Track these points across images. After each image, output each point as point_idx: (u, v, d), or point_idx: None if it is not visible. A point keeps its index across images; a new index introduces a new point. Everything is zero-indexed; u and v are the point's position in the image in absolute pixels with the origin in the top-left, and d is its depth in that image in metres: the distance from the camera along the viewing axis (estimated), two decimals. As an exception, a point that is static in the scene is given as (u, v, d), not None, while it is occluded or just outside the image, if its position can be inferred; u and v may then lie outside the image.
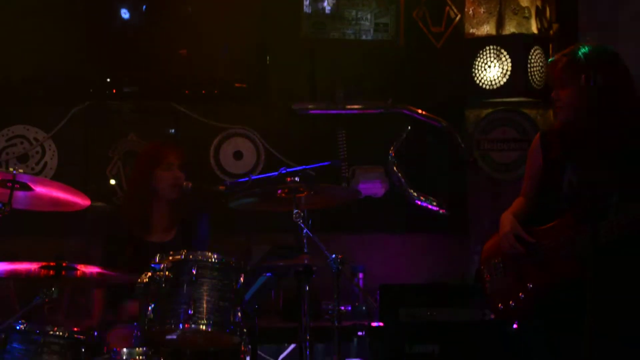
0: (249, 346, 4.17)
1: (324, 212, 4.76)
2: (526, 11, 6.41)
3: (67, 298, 4.99)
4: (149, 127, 6.14)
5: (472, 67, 6.22)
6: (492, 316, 4.09)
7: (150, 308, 3.90)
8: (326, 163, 5.31)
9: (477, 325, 5.15)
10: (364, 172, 6.21)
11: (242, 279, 4.10)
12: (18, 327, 3.87)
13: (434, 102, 6.34)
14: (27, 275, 4.14)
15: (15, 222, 4.33)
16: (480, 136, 6.34)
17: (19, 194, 4.18)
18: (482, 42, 6.26)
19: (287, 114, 6.25)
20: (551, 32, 6.44)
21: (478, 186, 6.32)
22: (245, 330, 4.07)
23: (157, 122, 6.18)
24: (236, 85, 6.20)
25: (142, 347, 3.86)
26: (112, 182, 6.03)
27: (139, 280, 3.92)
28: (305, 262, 4.28)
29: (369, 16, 6.40)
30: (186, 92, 6.17)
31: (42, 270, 4.06)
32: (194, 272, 3.96)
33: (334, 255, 4.12)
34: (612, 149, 3.67)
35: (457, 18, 6.45)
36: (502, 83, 6.15)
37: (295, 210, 4.28)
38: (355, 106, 6.29)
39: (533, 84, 6.11)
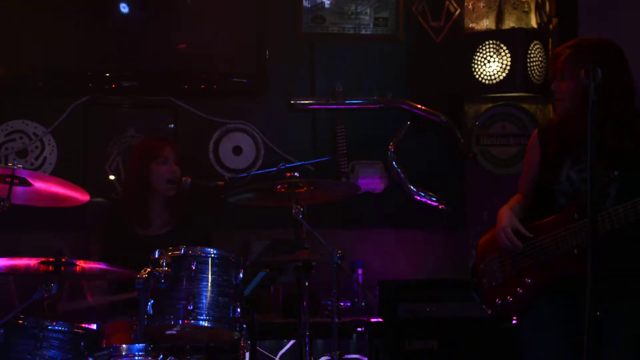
0: (249, 342, 4.21)
1: (324, 207, 4.78)
2: (526, 5, 6.39)
3: (66, 294, 5.00)
4: (148, 122, 6.13)
5: (471, 62, 6.21)
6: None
7: (149, 304, 3.89)
8: (325, 159, 5.32)
9: (476, 321, 5.15)
10: (363, 167, 6.21)
11: (241, 275, 4.11)
12: (18, 322, 3.89)
13: (433, 97, 6.34)
14: (26, 271, 4.16)
15: (15, 218, 4.35)
16: (480, 131, 6.32)
17: (18, 189, 4.19)
18: (482, 37, 6.25)
19: (286, 109, 6.24)
20: (551, 26, 6.43)
21: (477, 181, 6.31)
22: (244, 325, 4.08)
23: (156, 117, 6.17)
24: (235, 80, 6.19)
25: (142, 342, 3.84)
26: (112, 177, 6.02)
27: (138, 275, 3.89)
28: (305, 257, 4.30)
29: (368, 10, 6.40)
30: (185, 87, 6.16)
31: (42, 265, 4.06)
32: (194, 268, 3.98)
33: (333, 251, 4.14)
34: (609, 144, 3.69)
35: (457, 12, 6.45)
36: (501, 78, 6.14)
37: (295, 206, 4.29)
38: (355, 101, 6.30)
39: (532, 78, 6.11)
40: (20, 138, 5.96)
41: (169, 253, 4.03)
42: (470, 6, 6.42)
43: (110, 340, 4.17)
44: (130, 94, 6.13)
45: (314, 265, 4.33)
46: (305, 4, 6.32)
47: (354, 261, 5.82)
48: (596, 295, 3.20)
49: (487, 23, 6.41)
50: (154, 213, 5.01)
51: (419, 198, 6.21)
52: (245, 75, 6.19)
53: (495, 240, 4.00)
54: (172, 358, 3.75)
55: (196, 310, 3.93)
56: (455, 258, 6.13)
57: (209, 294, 3.98)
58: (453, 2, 6.45)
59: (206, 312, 3.95)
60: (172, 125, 6.15)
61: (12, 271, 4.31)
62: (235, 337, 4.08)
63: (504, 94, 6.27)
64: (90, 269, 4.24)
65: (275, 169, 4.85)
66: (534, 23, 6.39)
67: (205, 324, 3.95)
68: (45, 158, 5.97)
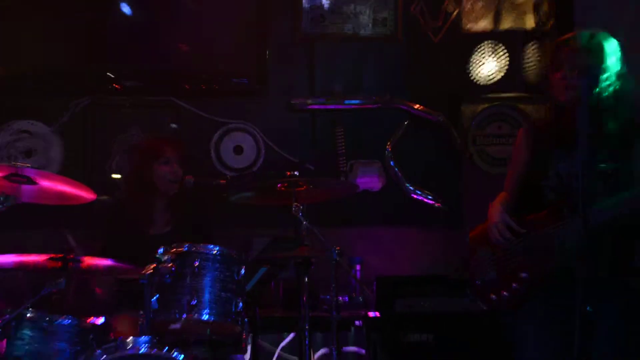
0: (250, 335, 4.28)
1: (323, 205, 4.79)
2: (523, 6, 6.39)
3: (74, 289, 5.06)
4: (150, 121, 6.15)
5: (469, 62, 6.24)
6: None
7: (154, 299, 3.95)
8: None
9: (472, 316, 5.16)
10: (361, 166, 6.24)
11: (243, 271, 4.19)
12: (28, 316, 3.96)
13: (430, 97, 6.33)
14: (35, 267, 4.22)
15: (22, 216, 4.41)
16: (476, 131, 6.35)
17: (25, 188, 4.22)
18: (480, 37, 6.27)
19: (286, 109, 6.26)
20: (548, 27, 6.41)
21: (473, 180, 6.31)
22: (246, 319, 4.15)
23: (158, 116, 6.18)
24: (236, 80, 6.22)
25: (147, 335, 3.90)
26: (114, 176, 6.05)
27: (143, 272, 3.96)
28: (305, 254, 4.33)
29: (367, 11, 6.39)
30: (187, 87, 6.19)
31: (50, 262, 4.15)
32: (197, 264, 4.06)
33: (332, 248, 4.19)
34: (602, 140, 3.74)
35: (455, 13, 6.43)
36: (498, 78, 6.19)
37: (295, 204, 4.33)
38: (354, 101, 6.30)
39: (529, 79, 6.15)
40: (26, 138, 6.00)
41: (173, 250, 4.09)
42: (468, 7, 6.43)
43: (116, 334, 4.23)
44: (133, 94, 6.15)
45: (314, 262, 4.36)
46: (305, 4, 6.33)
47: (352, 258, 5.83)
48: (588, 290, 3.27)
49: (484, 24, 6.42)
50: (157, 212, 5.06)
51: (416, 197, 6.23)
52: (246, 75, 6.22)
53: (486, 235, 4.03)
54: (177, 350, 3.82)
55: (199, 305, 4.00)
56: (450, 255, 5.96)
57: (211, 289, 4.06)
58: (451, 2, 6.43)
59: (209, 307, 4.03)
60: (175, 125, 6.17)
61: (21, 267, 4.34)
62: (237, 331, 4.14)
63: (500, 94, 6.31)
64: (97, 265, 4.31)
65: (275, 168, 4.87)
66: (531, 24, 6.41)
67: (208, 318, 4.02)
68: (50, 157, 6.02)
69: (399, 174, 6.25)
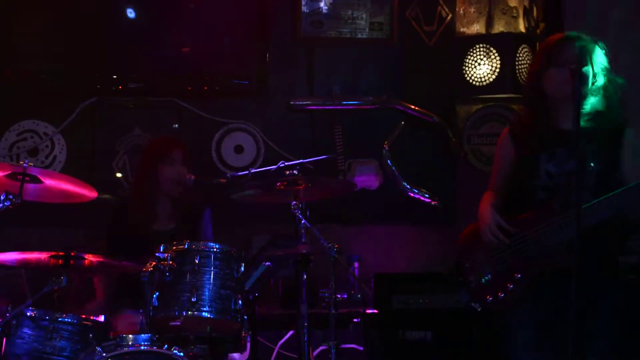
0: (249, 332, 4.17)
1: (321, 203, 4.73)
2: (514, 11, 6.41)
3: (75, 287, 4.99)
4: (153, 122, 6.12)
5: (462, 65, 6.21)
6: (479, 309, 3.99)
7: (154, 296, 3.91)
8: (323, 157, 5.31)
9: (468, 312, 5.04)
10: (359, 165, 6.21)
11: (242, 268, 4.11)
12: (29, 314, 3.89)
13: (426, 98, 6.33)
14: (37, 264, 4.17)
15: (26, 214, 4.33)
16: (471, 131, 6.32)
17: (29, 187, 4.18)
18: (473, 41, 6.26)
19: (286, 110, 6.24)
20: (538, 31, 6.41)
21: (468, 179, 6.28)
22: (245, 317, 4.08)
23: (161, 117, 6.16)
24: (237, 81, 6.19)
25: (147, 333, 3.86)
26: (119, 175, 6.02)
27: (144, 269, 3.92)
28: (303, 251, 4.27)
29: (364, 15, 6.38)
30: (189, 88, 6.15)
31: (52, 259, 4.08)
32: (197, 262, 3.98)
33: (330, 245, 4.11)
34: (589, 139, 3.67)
35: (449, 17, 6.44)
36: (491, 80, 6.14)
37: (294, 202, 4.27)
38: (351, 102, 6.28)
39: (521, 80, 6.09)
40: (32, 137, 5.96)
41: (174, 247, 4.03)
42: (461, 11, 6.43)
43: (116, 332, 4.16)
44: (136, 95, 6.12)
45: (312, 259, 4.30)
46: (304, 9, 6.30)
47: (350, 255, 5.80)
48: (581, 286, 3.20)
49: (477, 28, 6.42)
50: (160, 210, 5.00)
51: (412, 195, 6.20)
52: (247, 77, 6.19)
53: (477, 237, 3.95)
54: (177, 348, 3.76)
55: (199, 302, 3.92)
56: (447, 252, 6.04)
57: (211, 286, 3.98)
58: (445, 7, 6.44)
59: (209, 304, 3.95)
60: (176, 125, 6.14)
61: (23, 264, 4.32)
62: (237, 328, 4.08)
63: (493, 95, 6.26)
64: (99, 262, 4.24)
65: (275, 167, 4.85)
66: (522, 28, 6.40)
67: (208, 315, 3.95)
68: (55, 156, 5.97)
69: (396, 172, 6.22)
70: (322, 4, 6.33)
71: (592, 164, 3.68)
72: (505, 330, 3.92)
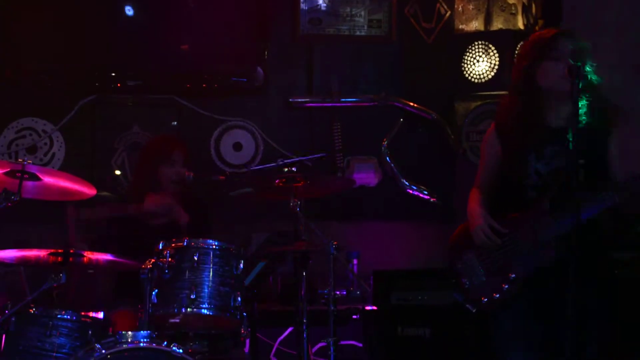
0: (249, 329, 4.16)
1: (320, 200, 4.77)
2: (513, 8, 6.38)
3: (74, 284, 4.99)
4: (152, 119, 6.12)
5: (461, 62, 6.20)
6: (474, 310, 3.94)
7: (154, 293, 3.90)
8: (318, 155, 5.31)
9: (467, 309, 5.09)
10: (358, 162, 6.21)
11: (241, 265, 4.10)
12: (28, 311, 3.87)
13: (425, 95, 6.32)
14: (36, 262, 4.15)
15: (25, 211, 4.32)
16: (469, 128, 6.30)
17: (28, 184, 4.14)
18: (471, 38, 6.25)
19: (284, 107, 6.24)
20: (536, 27, 6.39)
21: (466, 176, 6.15)
22: (244, 313, 4.06)
23: (160, 114, 6.15)
24: (236, 79, 6.16)
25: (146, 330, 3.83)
26: (117, 172, 6.01)
27: (143, 266, 3.91)
28: (302, 248, 4.28)
29: (362, 13, 6.38)
30: (188, 86, 6.15)
31: (51, 257, 4.06)
32: (196, 259, 3.98)
33: (329, 242, 4.12)
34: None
35: (447, 14, 6.44)
36: (490, 77, 6.13)
37: (293, 199, 4.27)
38: (350, 99, 6.28)
39: (519, 77, 6.12)
40: (30, 135, 5.95)
41: (173, 244, 4.02)
42: (460, 8, 6.42)
43: (115, 328, 4.15)
44: (135, 93, 6.11)
45: (312, 256, 4.31)
46: (303, 6, 6.29)
47: (349, 252, 5.80)
48: (577, 281, 3.20)
49: (476, 24, 6.40)
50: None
51: (411, 192, 6.20)
52: (245, 74, 6.16)
53: (467, 237, 3.90)
54: (176, 344, 3.73)
55: (198, 299, 3.92)
56: (445, 249, 6.09)
57: (210, 283, 3.97)
58: (444, 4, 6.43)
59: (208, 301, 3.94)
60: (175, 123, 6.13)
61: (22, 262, 4.31)
62: (236, 325, 4.06)
63: (492, 92, 6.22)
64: (97, 259, 4.22)
65: (274, 164, 4.85)
66: (520, 24, 6.38)
67: (207, 312, 3.94)
68: (54, 154, 5.97)
69: (395, 169, 6.23)
70: (320, 1, 6.32)
71: (581, 161, 3.59)
72: (497, 328, 3.88)
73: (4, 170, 4.07)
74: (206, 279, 3.97)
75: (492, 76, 6.12)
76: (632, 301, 4.69)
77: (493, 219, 3.83)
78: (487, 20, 6.39)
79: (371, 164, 6.22)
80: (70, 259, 4.05)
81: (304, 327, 4.27)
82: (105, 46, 5.94)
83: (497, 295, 3.79)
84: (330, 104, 6.24)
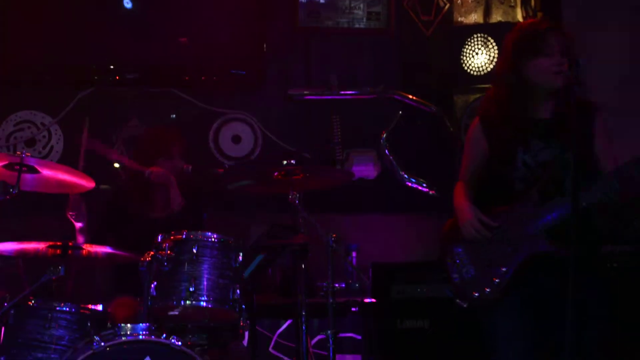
0: (248, 321, 4.17)
1: (319, 193, 4.73)
2: (512, 0, 6.38)
3: (73, 277, 4.99)
4: (150, 112, 6.12)
5: (460, 54, 6.18)
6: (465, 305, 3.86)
7: (153, 286, 3.90)
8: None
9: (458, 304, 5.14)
10: (357, 155, 6.21)
11: (240, 258, 4.11)
12: (27, 303, 3.88)
13: (424, 88, 6.31)
14: (35, 254, 4.16)
15: (23, 204, 4.33)
16: (468, 120, 6.19)
17: (27, 177, 4.17)
18: (470, 30, 6.24)
19: (283, 100, 6.23)
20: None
21: None
22: (243, 306, 4.07)
23: (158, 107, 6.15)
24: (234, 72, 6.17)
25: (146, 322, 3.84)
26: (116, 165, 5.95)
27: (142, 259, 3.91)
28: (301, 241, 4.28)
29: (361, 5, 6.37)
30: (186, 78, 6.15)
31: (50, 249, 4.08)
32: (195, 251, 3.98)
33: (328, 235, 4.11)
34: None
35: (446, 7, 6.43)
36: (489, 69, 6.11)
37: (292, 192, 4.25)
38: (349, 92, 6.27)
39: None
40: (29, 127, 5.96)
41: (172, 237, 4.02)
42: (459, 1, 6.42)
43: (114, 317, 4.16)
44: (134, 86, 6.10)
45: (310, 249, 4.30)
46: (302, -1, 6.28)
47: (348, 245, 5.81)
48: (575, 276, 3.17)
49: (475, 17, 6.40)
50: (157, 199, 5.00)
51: (410, 184, 6.17)
52: (244, 67, 6.17)
53: (456, 232, 3.86)
54: (175, 337, 3.74)
55: (197, 292, 3.92)
56: None
57: (209, 276, 3.98)
58: (442, -3, 6.42)
59: (207, 294, 3.94)
60: (174, 115, 6.12)
61: (21, 254, 4.32)
62: (235, 317, 4.07)
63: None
64: (96, 252, 4.24)
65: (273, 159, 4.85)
66: (519, 17, 6.37)
67: (206, 304, 3.95)
68: (52, 147, 5.97)
69: (394, 162, 6.20)
70: (319, -6, 6.30)
71: (567, 154, 3.61)
72: (490, 324, 3.81)
73: (3, 163, 4.09)
74: (205, 271, 3.97)
75: (491, 69, 6.09)
76: (631, 291, 4.72)
77: (484, 212, 3.78)
78: (486, 13, 6.39)
79: (370, 157, 6.23)
80: (69, 252, 4.07)
81: (303, 319, 4.25)
82: (104, 38, 5.94)
83: (489, 290, 3.73)
84: (329, 97, 6.24)
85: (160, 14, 6.04)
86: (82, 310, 3.94)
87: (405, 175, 6.18)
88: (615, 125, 3.88)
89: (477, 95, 6.28)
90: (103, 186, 5.55)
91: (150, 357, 3.68)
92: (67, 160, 5.49)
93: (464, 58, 6.18)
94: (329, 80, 6.26)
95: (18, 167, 4.09)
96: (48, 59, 5.92)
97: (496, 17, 6.35)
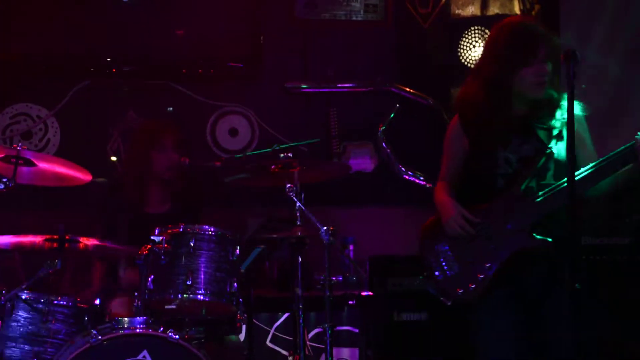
0: (245, 315, 4.19)
1: (316, 186, 4.69)
2: (510, -7, 6.40)
3: (70, 271, 4.98)
4: (147, 105, 6.10)
5: (457, 47, 6.16)
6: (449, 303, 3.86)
7: (150, 279, 3.91)
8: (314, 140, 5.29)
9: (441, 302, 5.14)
10: (354, 148, 6.22)
11: (237, 251, 4.11)
12: (24, 297, 3.87)
13: (421, 81, 6.30)
14: (31, 248, 4.15)
15: (20, 197, 4.32)
16: None
17: (23, 170, 4.17)
18: (468, 23, 6.21)
19: (280, 92, 6.22)
20: (533, 12, 6.37)
21: None
22: (241, 299, 4.07)
23: (155, 100, 6.13)
24: (232, 64, 6.15)
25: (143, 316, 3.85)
26: (113, 158, 6.01)
27: (139, 252, 3.93)
28: (298, 234, 4.27)
29: (358, -3, 6.36)
30: (183, 71, 6.13)
31: (46, 242, 4.07)
32: (192, 245, 3.99)
33: (325, 228, 4.11)
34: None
35: (443, -1, 6.43)
36: (486, 62, 6.14)
37: (288, 185, 4.25)
38: (346, 85, 6.27)
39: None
40: (25, 120, 5.95)
41: (169, 231, 4.03)
42: (456, -7, 6.39)
43: (112, 315, 4.16)
44: (130, 78, 6.08)
45: (307, 242, 4.31)
46: (299, -9, 6.27)
47: (345, 238, 5.81)
48: (574, 274, 3.14)
49: (472, 9, 6.37)
50: (153, 193, 4.97)
51: (407, 177, 6.17)
52: (241, 59, 6.15)
53: (439, 229, 3.84)
54: (172, 330, 3.74)
55: (195, 285, 3.93)
56: None
57: (206, 269, 3.98)
58: (440, -11, 6.41)
59: (204, 287, 3.95)
60: (171, 108, 6.10)
61: (17, 248, 4.30)
62: (232, 311, 4.08)
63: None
64: (93, 246, 4.22)
65: (270, 149, 4.84)
66: (517, 10, 6.36)
67: (203, 298, 3.95)
68: (48, 139, 5.96)
69: (391, 155, 6.20)
70: (316, -14, 6.30)
71: (550, 147, 3.65)
72: (476, 321, 3.82)
73: (-1, 156, 4.07)
74: (202, 265, 3.98)
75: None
76: (629, 283, 4.73)
77: (467, 209, 3.77)
78: (484, 5, 6.37)
79: (367, 150, 6.23)
80: (66, 245, 4.05)
81: (300, 312, 4.26)
82: (101, 31, 5.92)
83: (473, 286, 3.72)
84: (326, 89, 6.24)
85: (156, 7, 6.00)
86: (79, 304, 3.94)
87: (403, 168, 6.18)
88: (609, 125, 3.88)
89: (474, 89, 6.34)
90: (99, 179, 5.54)
91: (147, 351, 3.70)
92: (64, 154, 5.47)
93: (462, 50, 6.16)
94: (326, 72, 6.25)
95: (14, 160, 4.09)
96: (44, 51, 5.89)
97: (493, 9, 6.33)
